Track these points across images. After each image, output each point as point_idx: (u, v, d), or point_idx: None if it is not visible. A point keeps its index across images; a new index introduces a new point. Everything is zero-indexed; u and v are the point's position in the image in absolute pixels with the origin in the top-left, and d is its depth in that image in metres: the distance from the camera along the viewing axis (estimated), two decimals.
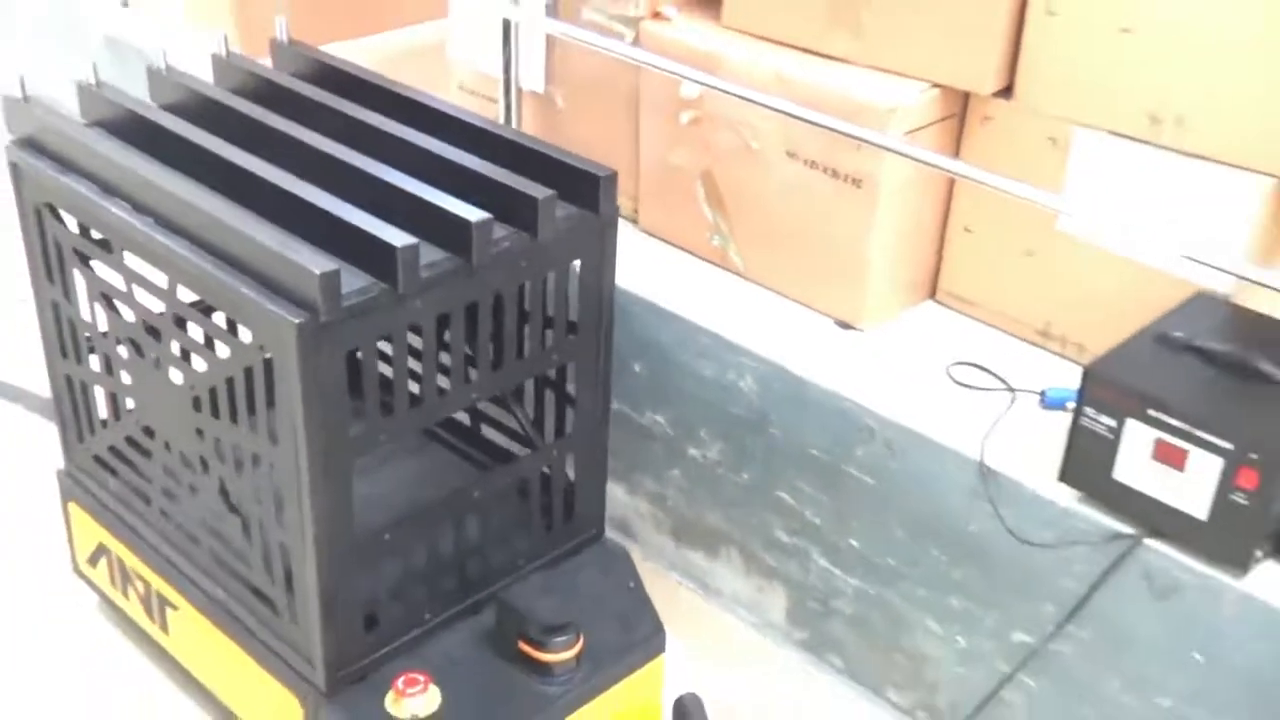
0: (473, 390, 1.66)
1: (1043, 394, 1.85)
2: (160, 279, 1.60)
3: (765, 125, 1.98)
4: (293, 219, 1.52)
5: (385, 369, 1.53)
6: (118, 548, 1.94)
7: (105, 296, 1.73)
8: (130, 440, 1.85)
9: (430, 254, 1.47)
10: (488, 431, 1.99)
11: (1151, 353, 1.63)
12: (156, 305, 1.64)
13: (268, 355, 1.46)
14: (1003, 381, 1.89)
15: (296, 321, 1.37)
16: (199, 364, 1.64)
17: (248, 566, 1.68)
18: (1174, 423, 1.54)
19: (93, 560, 2.02)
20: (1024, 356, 1.96)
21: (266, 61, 1.97)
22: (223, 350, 1.58)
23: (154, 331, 1.68)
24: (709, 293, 2.09)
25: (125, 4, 3.23)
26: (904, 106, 1.86)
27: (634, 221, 2.25)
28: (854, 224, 1.94)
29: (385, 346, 1.51)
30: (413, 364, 1.56)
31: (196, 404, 1.62)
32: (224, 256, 1.49)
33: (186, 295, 1.62)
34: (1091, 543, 1.64)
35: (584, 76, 2.24)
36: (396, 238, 1.44)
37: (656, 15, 2.10)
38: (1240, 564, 1.54)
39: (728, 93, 1.95)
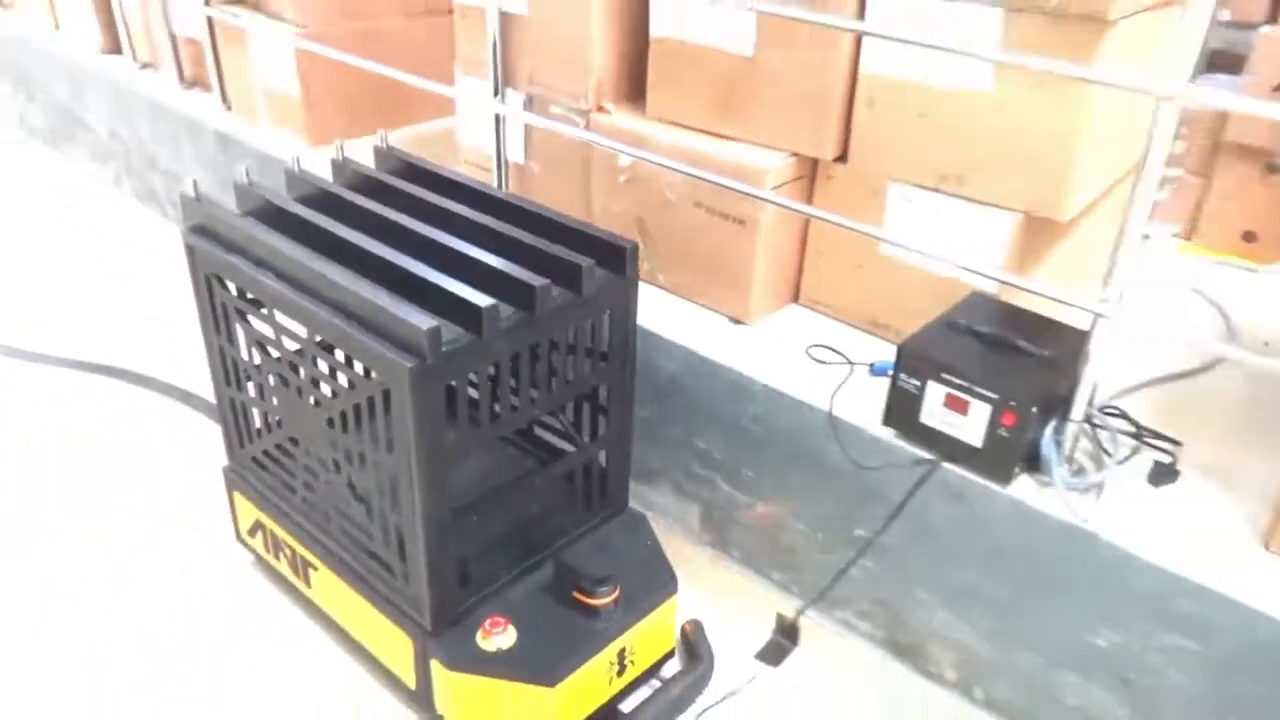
0: (535, 407, 1.61)
1: (872, 365, 1.87)
2: (301, 330, 1.57)
3: (679, 183, 2.00)
4: (400, 285, 1.48)
5: (471, 393, 1.51)
6: (270, 524, 1.90)
7: (259, 343, 1.70)
8: (279, 447, 1.82)
9: (504, 310, 1.45)
10: (543, 433, 1.93)
11: (943, 335, 1.66)
12: (298, 348, 1.61)
13: (386, 389, 1.42)
14: (845, 358, 1.91)
15: (409, 365, 1.35)
16: (332, 392, 1.60)
17: (370, 539, 1.65)
18: (958, 382, 1.57)
19: (251, 533, 2.00)
20: (859, 340, 1.98)
21: (367, 160, 1.93)
22: (349, 381, 1.55)
23: (296, 368, 1.64)
24: (643, 303, 2.05)
25: (229, 109, 3.23)
26: (773, 169, 1.89)
27: None
28: (741, 251, 1.96)
29: (471, 376, 1.49)
30: (491, 389, 1.51)
31: (330, 422, 1.59)
32: (350, 314, 1.46)
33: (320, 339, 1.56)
34: (906, 466, 1.67)
35: (552, 151, 2.26)
36: (481, 300, 1.41)
37: (600, 109, 2.13)
38: (1005, 478, 1.58)
39: (651, 161, 1.97)
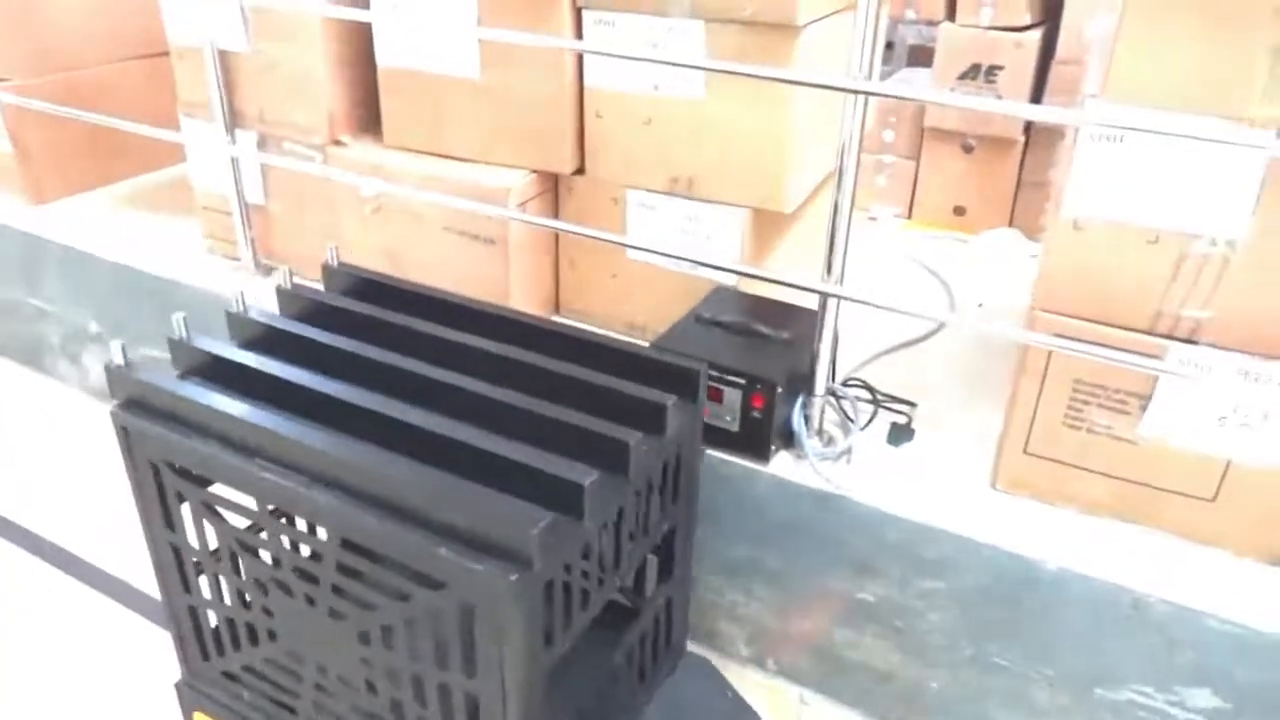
0: (619, 575, 1.30)
1: None
2: (315, 528, 1.20)
3: (425, 209, 1.97)
4: (439, 455, 1.13)
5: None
6: None
7: (241, 543, 1.29)
8: (270, 660, 1.37)
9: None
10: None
11: (692, 329, 1.71)
12: (311, 551, 1.22)
13: (468, 604, 1.08)
14: None
15: (513, 578, 1.02)
16: (366, 603, 1.19)
17: None
18: (711, 372, 1.60)
19: None
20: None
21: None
22: (399, 592, 1.15)
23: (306, 575, 1.22)
24: None
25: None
26: (515, 187, 1.89)
27: None
28: (495, 271, 1.96)
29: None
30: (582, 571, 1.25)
31: (364, 638, 1.21)
32: (393, 507, 1.09)
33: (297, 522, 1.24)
34: None
35: (293, 190, 2.18)
36: (579, 473, 1.10)
37: (337, 142, 2.07)
38: (764, 456, 1.64)
39: (396, 191, 1.94)
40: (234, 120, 2.14)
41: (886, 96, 1.41)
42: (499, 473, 1.12)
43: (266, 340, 1.42)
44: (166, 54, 2.23)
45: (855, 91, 1.36)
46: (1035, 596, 1.51)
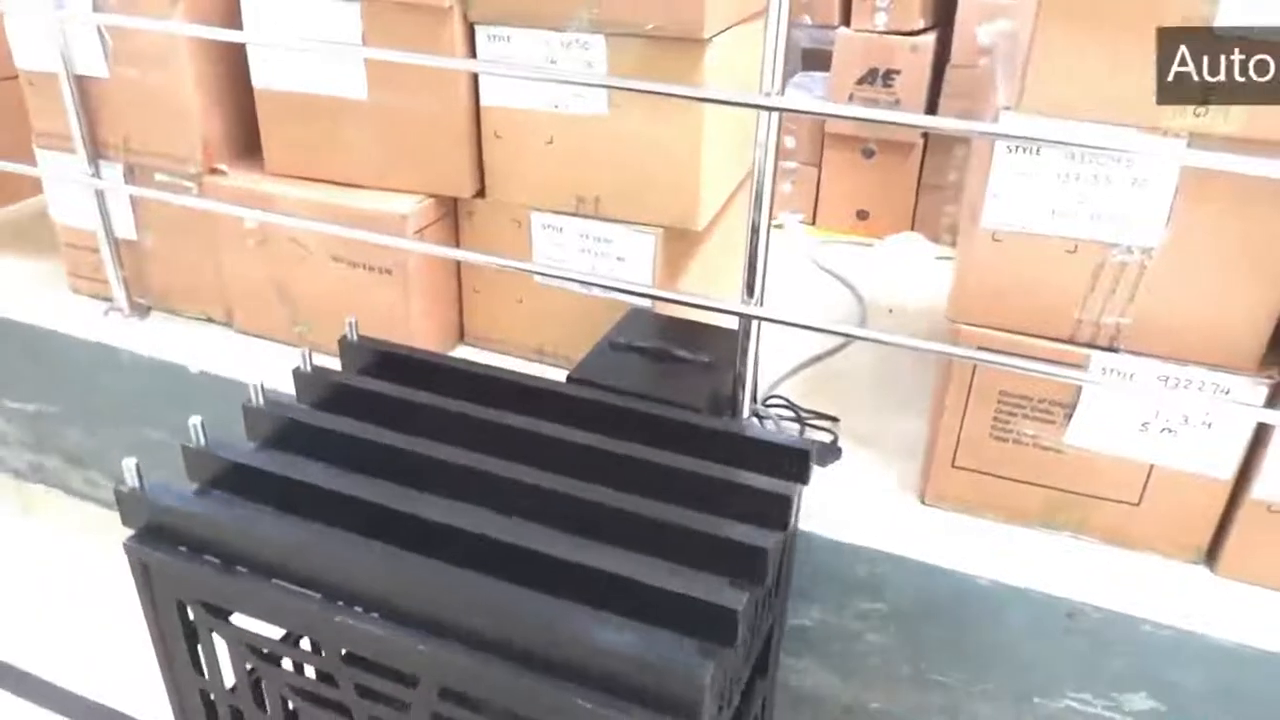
0: (735, 687, 1.14)
1: None
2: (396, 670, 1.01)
3: (312, 240, 1.87)
4: (553, 580, 0.96)
5: None
6: None
7: (303, 692, 1.11)
8: None
9: None
10: None
11: (608, 355, 1.66)
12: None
13: None
14: None
15: None
16: None
17: None
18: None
19: None
20: (532, 371, 1.87)
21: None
22: None
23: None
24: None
25: None
26: (411, 213, 1.81)
27: (229, 325, 2.07)
28: (393, 302, 1.87)
29: None
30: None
31: None
32: (500, 648, 0.93)
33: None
34: None
35: (168, 222, 2.04)
36: (728, 597, 0.94)
37: (214, 171, 1.94)
38: None
39: (279, 220, 1.83)
40: (97, 151, 1.99)
41: (800, 113, 1.37)
42: (623, 595, 0.96)
43: (295, 438, 1.22)
44: (13, 77, 2.07)
45: (769, 109, 1.33)
46: (970, 611, 1.50)
